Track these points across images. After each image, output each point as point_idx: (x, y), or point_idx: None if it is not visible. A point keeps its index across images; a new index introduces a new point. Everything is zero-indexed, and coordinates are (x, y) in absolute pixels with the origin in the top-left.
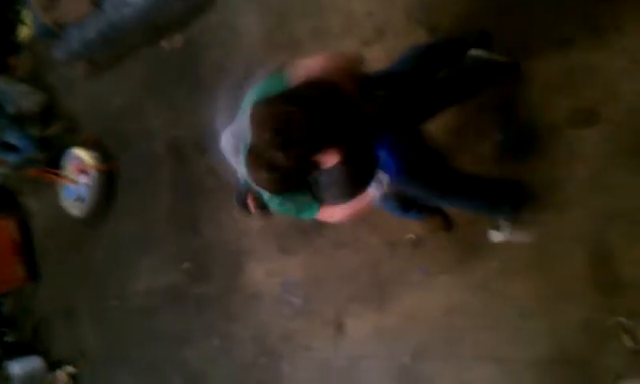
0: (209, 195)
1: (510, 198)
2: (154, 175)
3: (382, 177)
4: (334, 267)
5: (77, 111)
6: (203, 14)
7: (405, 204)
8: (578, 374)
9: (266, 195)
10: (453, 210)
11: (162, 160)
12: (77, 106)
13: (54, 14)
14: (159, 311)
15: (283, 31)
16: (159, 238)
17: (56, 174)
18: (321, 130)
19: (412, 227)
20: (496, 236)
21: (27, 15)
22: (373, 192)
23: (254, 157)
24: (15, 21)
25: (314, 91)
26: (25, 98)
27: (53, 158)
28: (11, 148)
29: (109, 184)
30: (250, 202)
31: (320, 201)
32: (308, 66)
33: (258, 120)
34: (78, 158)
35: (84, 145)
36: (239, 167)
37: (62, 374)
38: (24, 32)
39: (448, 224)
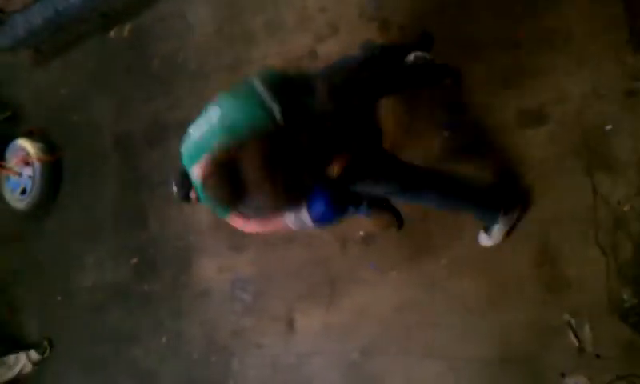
0: (157, 189)
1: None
2: (101, 168)
3: (304, 216)
4: (285, 263)
5: (21, 101)
6: (154, 3)
7: (354, 200)
8: (524, 371)
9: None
10: (404, 207)
11: (109, 153)
12: (21, 95)
13: None
14: (106, 308)
15: (236, 24)
16: (106, 233)
17: None
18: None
19: (363, 224)
20: (485, 239)
21: None
22: (288, 221)
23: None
24: None
25: None
26: None
27: None
28: None
29: (54, 176)
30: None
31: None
32: None
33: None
34: (22, 149)
35: (28, 136)
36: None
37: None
38: None
39: (399, 221)
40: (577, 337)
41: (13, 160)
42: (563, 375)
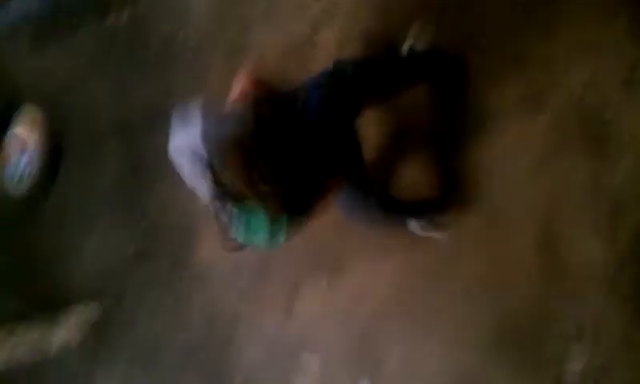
0: (156, 174)
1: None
2: (100, 154)
3: None
4: (285, 246)
5: (19, 86)
6: None
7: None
8: (523, 356)
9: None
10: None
11: (108, 138)
12: (19, 80)
13: None
14: (104, 295)
15: (234, 10)
16: (104, 219)
17: None
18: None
19: None
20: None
21: None
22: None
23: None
24: None
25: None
26: None
27: None
28: None
29: (52, 163)
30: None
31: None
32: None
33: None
34: (20, 136)
35: (26, 121)
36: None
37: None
38: None
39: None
40: (576, 323)
41: (10, 146)
42: (562, 361)
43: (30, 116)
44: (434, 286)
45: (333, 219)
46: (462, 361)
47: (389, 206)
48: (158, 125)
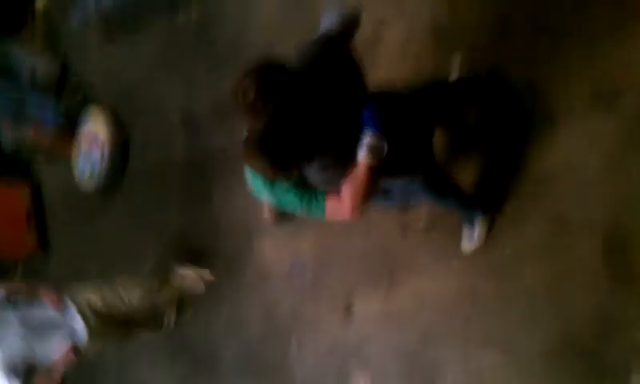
0: (222, 170)
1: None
2: (167, 148)
3: (367, 137)
4: (344, 248)
5: (92, 81)
6: None
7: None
8: (587, 365)
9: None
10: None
11: (176, 133)
12: (92, 75)
13: None
14: None
15: (302, 6)
16: (169, 214)
17: (70, 144)
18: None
19: (424, 211)
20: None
21: None
22: (362, 156)
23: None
24: None
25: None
26: (40, 67)
27: (67, 127)
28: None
29: (122, 156)
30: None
31: (321, 191)
32: None
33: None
34: (92, 129)
35: (97, 117)
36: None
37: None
38: (40, 1)
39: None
40: None
41: (83, 139)
42: (629, 372)
43: (101, 111)
44: (495, 291)
45: (395, 220)
46: (523, 368)
47: (464, 198)
48: (226, 119)
